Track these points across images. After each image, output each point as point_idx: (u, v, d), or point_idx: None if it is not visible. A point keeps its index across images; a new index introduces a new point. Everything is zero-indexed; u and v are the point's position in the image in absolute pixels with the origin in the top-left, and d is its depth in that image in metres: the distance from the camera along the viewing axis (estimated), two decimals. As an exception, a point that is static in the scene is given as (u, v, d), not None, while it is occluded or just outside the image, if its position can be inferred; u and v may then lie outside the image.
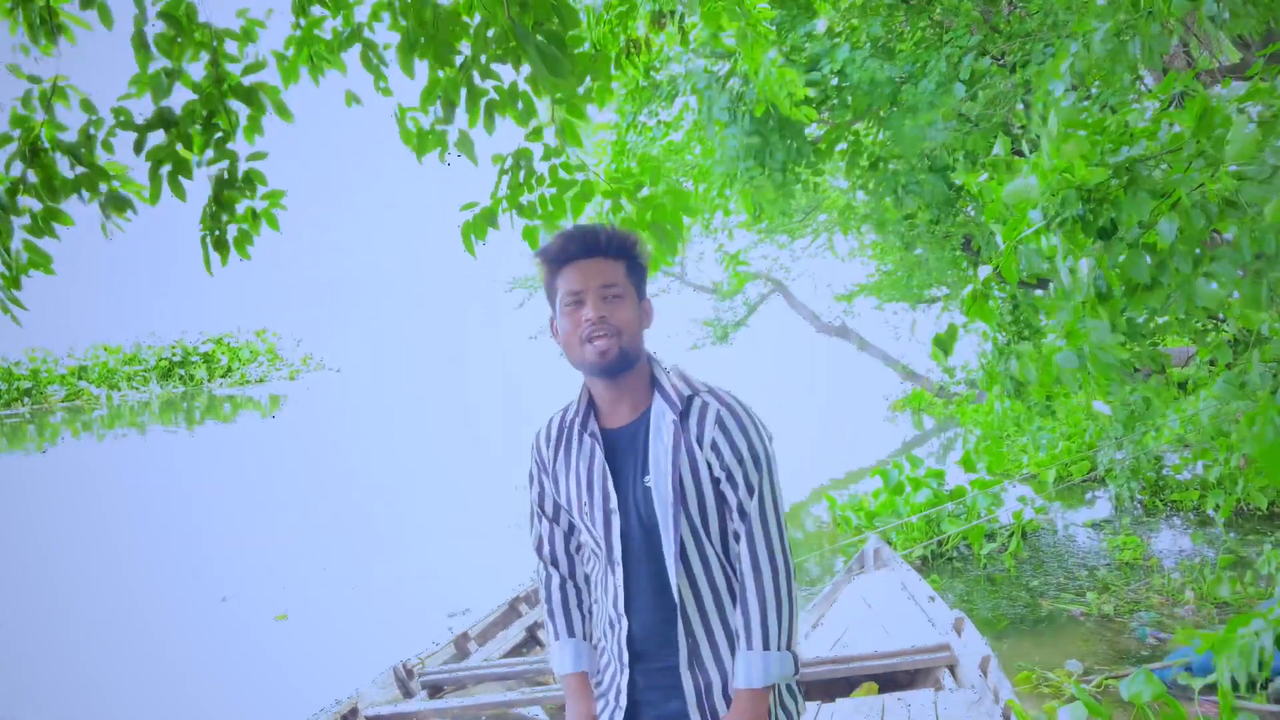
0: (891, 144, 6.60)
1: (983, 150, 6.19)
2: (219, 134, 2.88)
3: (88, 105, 2.75)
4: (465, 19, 2.69)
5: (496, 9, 2.51)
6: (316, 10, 2.99)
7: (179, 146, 2.81)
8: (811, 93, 5.22)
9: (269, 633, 6.96)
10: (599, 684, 1.92)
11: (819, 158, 6.99)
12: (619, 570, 1.81)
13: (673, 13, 3.93)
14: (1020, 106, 6.35)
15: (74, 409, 31.20)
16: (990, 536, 7.37)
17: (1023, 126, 6.63)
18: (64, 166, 2.75)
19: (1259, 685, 3.95)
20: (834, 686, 4.23)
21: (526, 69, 2.64)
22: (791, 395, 21.25)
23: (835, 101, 6.65)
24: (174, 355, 37.45)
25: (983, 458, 9.85)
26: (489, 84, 2.67)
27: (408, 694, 4.59)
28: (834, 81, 6.44)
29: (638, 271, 1.86)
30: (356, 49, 2.99)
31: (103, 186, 2.76)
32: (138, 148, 2.74)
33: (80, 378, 34.41)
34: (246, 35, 2.89)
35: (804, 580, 6.99)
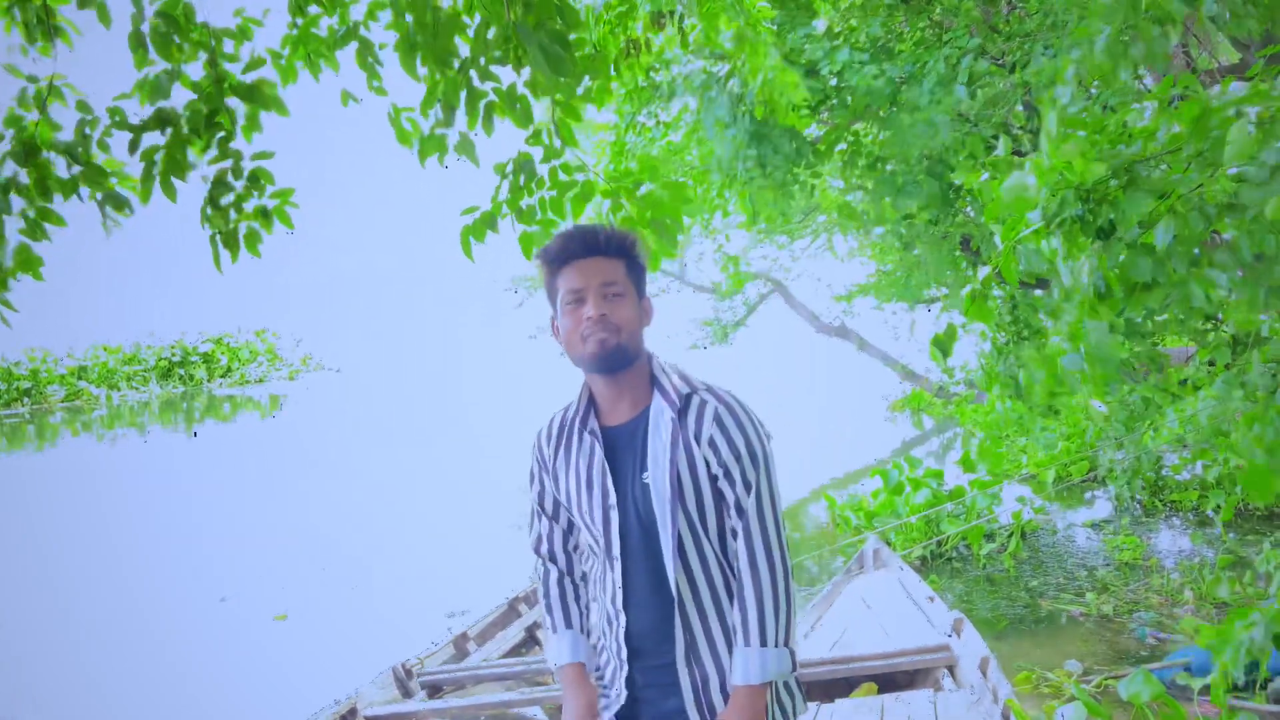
0: (892, 143, 6.60)
1: (981, 151, 6.19)
2: (221, 133, 2.89)
3: (84, 105, 2.74)
4: (465, 19, 2.69)
5: (498, 9, 2.51)
6: (313, 9, 2.98)
7: (184, 147, 2.81)
8: (809, 93, 5.23)
9: (268, 633, 6.97)
10: (599, 680, 1.93)
11: (818, 158, 6.99)
12: (618, 566, 1.83)
13: (672, 13, 3.93)
14: (1020, 108, 6.35)
15: (74, 409, 31.20)
16: (989, 537, 7.37)
17: (1022, 127, 6.63)
18: (60, 166, 2.75)
19: (1259, 685, 3.95)
20: (833, 687, 4.23)
21: (526, 72, 2.64)
22: (791, 395, 21.26)
23: (834, 102, 6.65)
24: (174, 355, 37.43)
25: (985, 460, 9.84)
26: (488, 86, 2.67)
27: (407, 694, 4.59)
28: (833, 82, 6.44)
29: (637, 270, 1.88)
30: (352, 48, 3.00)
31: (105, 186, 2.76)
32: (133, 147, 2.74)
33: (80, 378, 34.40)
34: (242, 33, 2.89)
35: (803, 580, 6.99)
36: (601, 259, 1.83)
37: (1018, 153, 5.84)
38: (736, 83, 6.24)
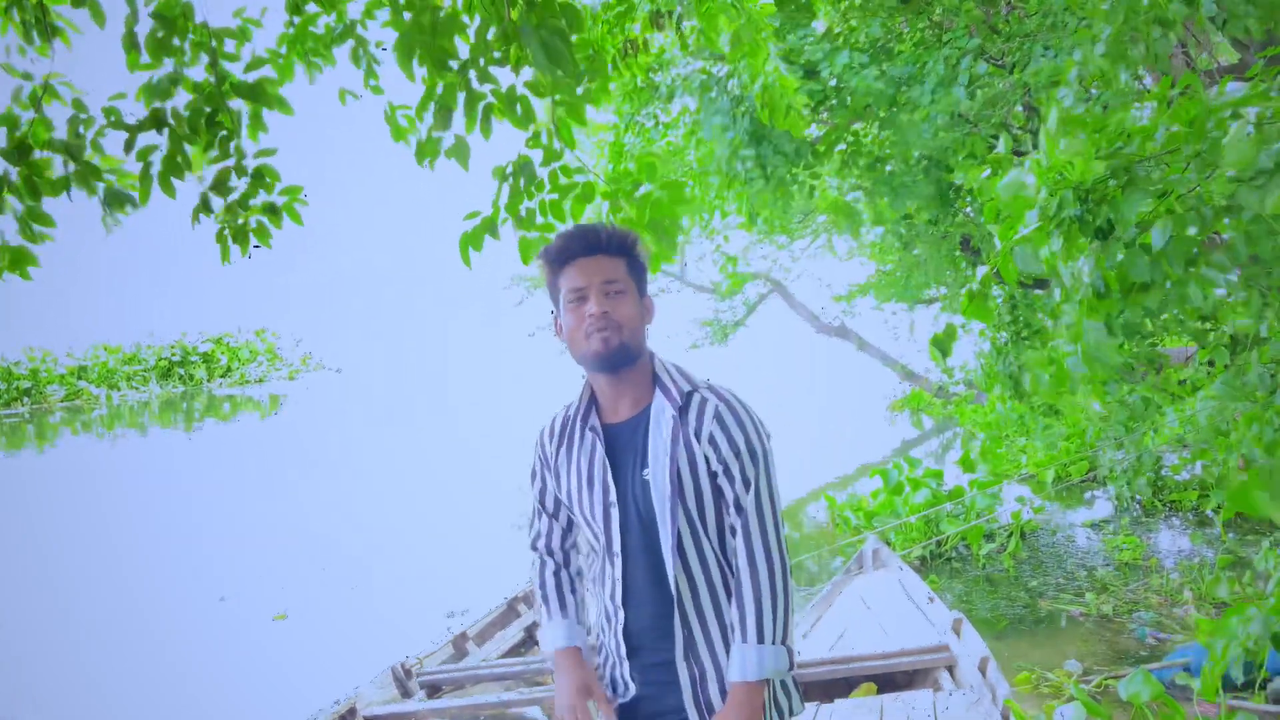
0: (893, 142, 6.60)
1: (982, 151, 6.19)
2: (223, 132, 2.89)
3: (79, 105, 2.74)
4: (465, 18, 2.69)
5: (498, 8, 2.51)
6: (311, 7, 2.99)
7: (185, 146, 2.81)
8: (808, 96, 5.23)
9: (268, 632, 6.96)
10: (598, 678, 1.94)
11: (817, 159, 6.99)
12: (618, 563, 1.85)
13: (670, 13, 3.93)
14: (1019, 108, 6.35)
15: (73, 409, 31.18)
16: (989, 537, 7.37)
17: (1021, 127, 6.64)
18: (58, 165, 2.74)
19: (1258, 685, 3.96)
20: (833, 687, 4.23)
21: (526, 73, 2.64)
22: (791, 395, 21.25)
23: (834, 102, 6.66)
24: (173, 355, 37.41)
25: (988, 461, 9.82)
26: (486, 88, 2.67)
27: (406, 694, 4.59)
28: (833, 83, 6.44)
29: (638, 268, 1.90)
30: (348, 45, 3.00)
31: (100, 184, 2.76)
32: (128, 147, 2.74)
33: (80, 377, 34.35)
34: (242, 34, 2.89)
35: (802, 580, 6.99)
36: (603, 257, 1.84)
37: (1018, 153, 5.83)
38: (736, 84, 6.24)
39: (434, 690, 4.70)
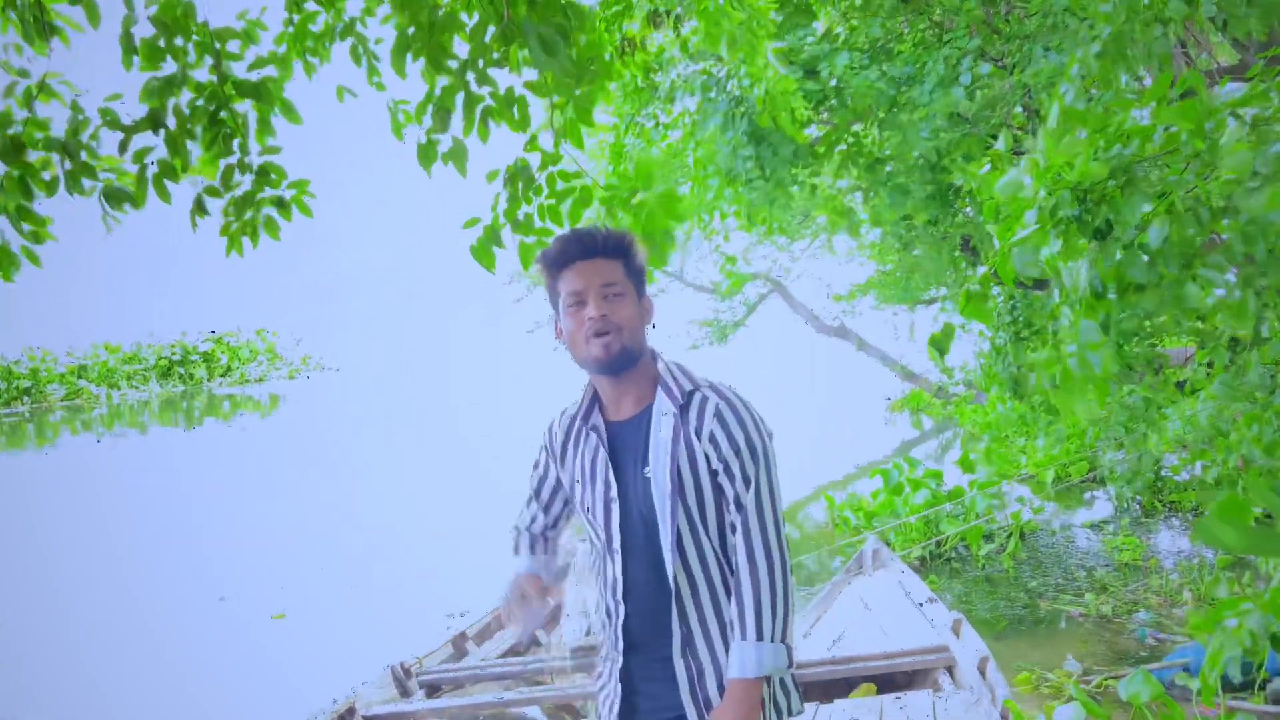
0: (894, 142, 6.60)
1: (977, 152, 6.19)
2: (225, 130, 2.89)
3: (76, 106, 2.74)
4: (464, 16, 2.69)
5: (497, 7, 2.51)
6: (310, 5, 2.99)
7: (183, 147, 2.81)
8: (806, 97, 5.24)
9: (267, 632, 6.96)
10: (598, 675, 1.96)
11: (817, 160, 6.99)
12: (618, 559, 1.86)
13: (669, 12, 3.92)
14: (1019, 109, 6.35)
15: (73, 408, 31.18)
16: (989, 537, 7.37)
17: (1020, 127, 6.63)
18: (58, 164, 2.74)
19: (1257, 686, 3.96)
20: (832, 687, 4.23)
21: (525, 74, 2.65)
22: (791, 395, 21.23)
23: (834, 102, 6.66)
24: (173, 354, 37.39)
25: (990, 462, 9.79)
26: (485, 90, 2.67)
27: (405, 694, 4.59)
28: (833, 83, 6.44)
29: (636, 269, 1.91)
30: (347, 43, 3.00)
31: (93, 183, 2.75)
32: (123, 148, 2.73)
33: (80, 377, 34.34)
34: (248, 37, 2.89)
35: (802, 580, 6.99)
36: (600, 260, 1.85)
37: (1018, 152, 5.83)
38: (735, 85, 6.24)
39: (433, 690, 4.70)
